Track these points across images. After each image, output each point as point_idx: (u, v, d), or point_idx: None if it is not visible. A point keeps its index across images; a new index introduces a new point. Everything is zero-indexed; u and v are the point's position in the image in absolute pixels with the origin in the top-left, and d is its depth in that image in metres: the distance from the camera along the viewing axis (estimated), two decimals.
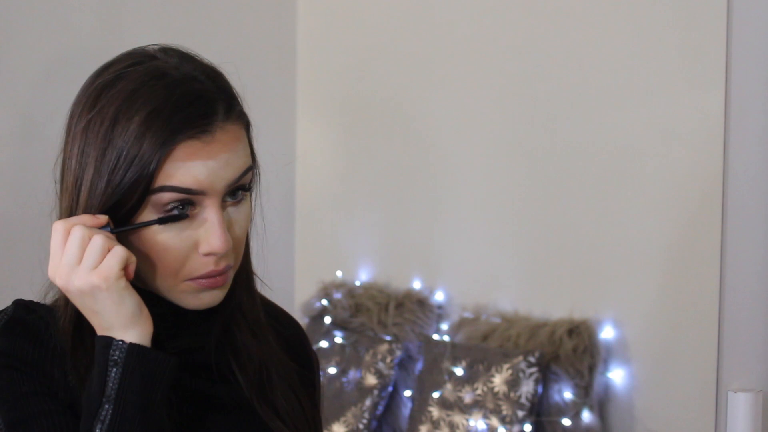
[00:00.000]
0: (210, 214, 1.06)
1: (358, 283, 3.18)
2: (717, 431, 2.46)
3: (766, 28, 2.39)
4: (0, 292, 2.48)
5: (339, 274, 3.23)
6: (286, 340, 1.26)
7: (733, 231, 2.46)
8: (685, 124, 2.54)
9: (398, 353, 2.92)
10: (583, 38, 2.73)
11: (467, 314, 2.90)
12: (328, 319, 3.09)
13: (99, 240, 1.01)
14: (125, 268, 1.02)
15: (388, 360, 2.91)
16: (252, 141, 1.13)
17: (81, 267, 1.01)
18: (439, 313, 3.02)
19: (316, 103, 3.41)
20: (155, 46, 1.11)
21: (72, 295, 1.02)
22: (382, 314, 3.02)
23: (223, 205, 1.07)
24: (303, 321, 3.12)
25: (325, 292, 3.16)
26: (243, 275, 1.17)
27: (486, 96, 2.95)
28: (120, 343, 1.01)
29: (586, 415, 2.56)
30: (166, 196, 1.04)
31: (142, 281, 1.08)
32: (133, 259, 1.03)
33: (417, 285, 3.07)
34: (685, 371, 2.53)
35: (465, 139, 3.01)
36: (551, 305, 2.75)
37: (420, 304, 3.01)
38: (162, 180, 1.03)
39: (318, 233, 3.38)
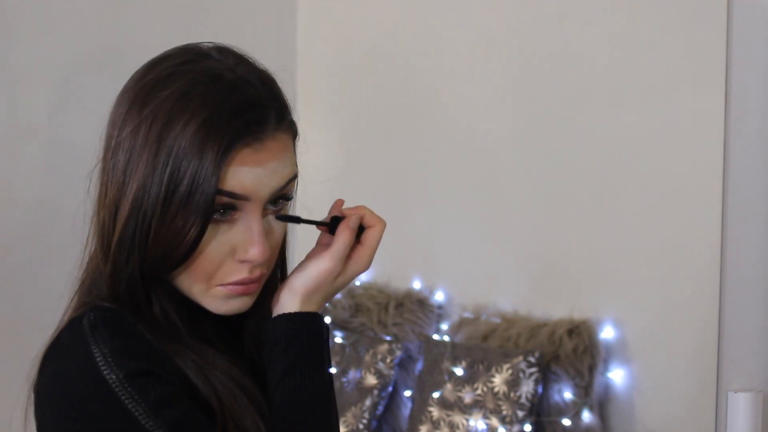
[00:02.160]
0: (251, 221, 1.05)
1: (357, 283, 3.18)
2: (717, 431, 2.46)
3: (766, 28, 2.39)
4: (5, 292, 2.48)
5: None
6: None
7: (733, 231, 2.46)
8: (685, 124, 2.54)
9: (398, 353, 2.92)
10: (583, 39, 2.73)
11: (467, 314, 2.90)
12: (328, 319, 3.09)
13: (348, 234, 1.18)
14: None
15: (388, 360, 2.91)
16: (296, 151, 1.13)
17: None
18: (439, 313, 3.02)
19: (316, 103, 3.41)
20: (209, 44, 1.09)
21: (351, 279, 1.17)
22: (382, 314, 3.02)
23: (264, 213, 1.07)
24: None
25: None
26: (273, 286, 1.16)
27: (486, 96, 2.96)
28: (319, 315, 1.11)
29: (586, 415, 2.56)
30: None
31: (175, 283, 1.07)
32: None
33: (417, 285, 3.07)
34: (685, 371, 2.53)
35: (465, 139, 3.01)
36: (551, 305, 2.75)
37: (420, 304, 3.01)
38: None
39: (318, 233, 3.38)
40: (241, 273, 1.06)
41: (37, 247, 2.50)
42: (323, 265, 1.12)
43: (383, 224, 1.20)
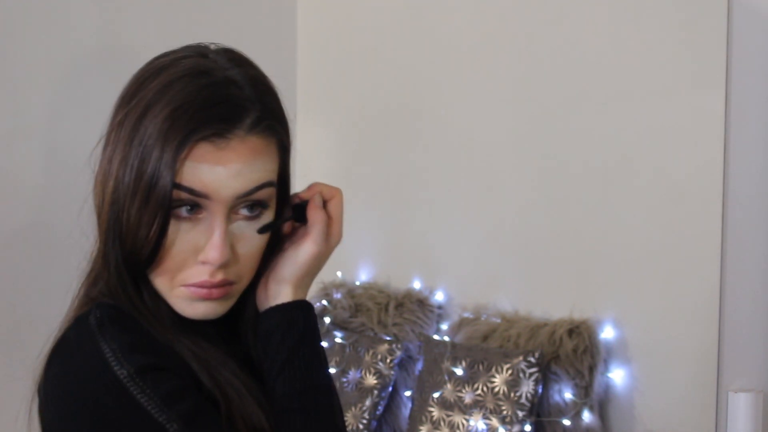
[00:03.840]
0: (213, 222, 1.02)
1: (358, 283, 3.18)
2: (717, 431, 2.47)
3: (766, 28, 2.39)
4: (10, 289, 2.48)
5: (339, 274, 3.23)
6: None
7: (733, 231, 2.46)
8: (685, 124, 2.54)
9: (398, 353, 2.92)
10: (583, 39, 2.73)
11: (467, 314, 2.90)
12: (327, 319, 3.09)
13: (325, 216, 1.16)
14: None
15: (388, 360, 2.91)
16: (286, 163, 1.10)
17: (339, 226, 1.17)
18: (439, 313, 3.02)
19: (316, 103, 3.41)
20: (216, 46, 1.09)
21: (330, 251, 1.16)
22: (382, 314, 3.02)
23: (235, 217, 1.04)
24: None
25: (325, 293, 3.16)
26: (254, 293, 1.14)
27: (486, 96, 2.96)
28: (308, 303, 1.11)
29: (586, 415, 2.56)
30: (173, 192, 1.01)
31: (153, 277, 1.05)
32: None
33: (417, 285, 3.07)
34: (685, 371, 2.54)
35: (465, 139, 3.01)
36: (551, 305, 2.75)
37: (420, 304, 3.01)
38: (174, 177, 1.01)
39: None
40: (203, 275, 1.03)
41: (38, 246, 2.50)
42: (309, 249, 1.12)
43: (340, 192, 1.20)
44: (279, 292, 1.10)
